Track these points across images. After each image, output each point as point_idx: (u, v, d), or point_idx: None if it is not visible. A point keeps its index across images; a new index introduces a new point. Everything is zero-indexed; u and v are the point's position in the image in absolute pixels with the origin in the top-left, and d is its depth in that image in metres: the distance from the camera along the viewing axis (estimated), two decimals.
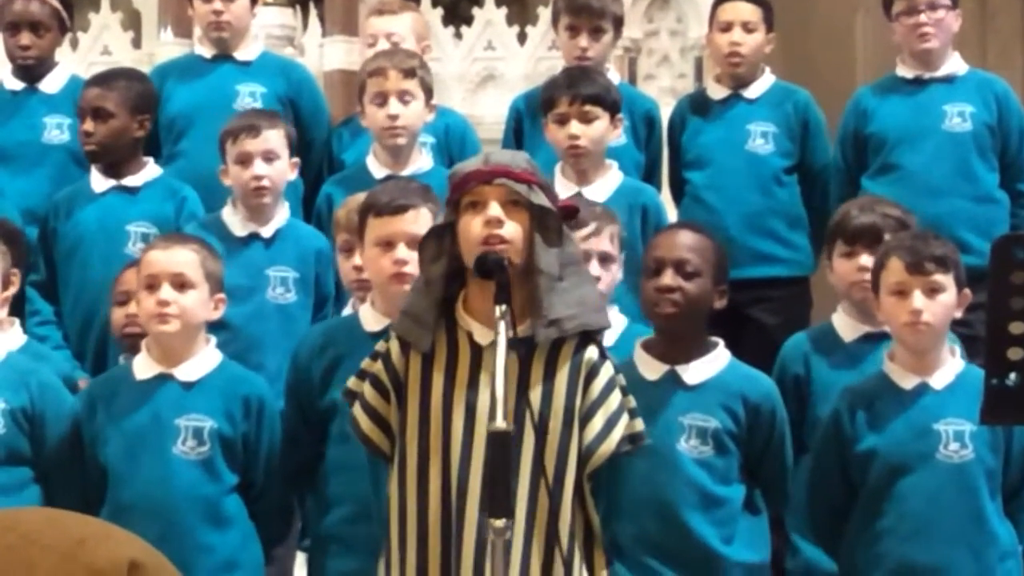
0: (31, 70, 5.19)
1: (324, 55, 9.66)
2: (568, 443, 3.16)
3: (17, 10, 5.15)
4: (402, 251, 3.66)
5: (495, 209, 3.11)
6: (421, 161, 4.78)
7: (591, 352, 3.19)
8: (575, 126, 4.58)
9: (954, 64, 5.16)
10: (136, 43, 10.09)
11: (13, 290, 4.28)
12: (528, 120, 5.14)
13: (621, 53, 8.47)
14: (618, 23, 5.21)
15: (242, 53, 5.21)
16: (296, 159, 4.63)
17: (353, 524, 3.66)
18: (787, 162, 5.15)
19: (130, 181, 4.79)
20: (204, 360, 3.89)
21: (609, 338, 3.85)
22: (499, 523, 2.77)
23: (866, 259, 4.03)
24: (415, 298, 3.20)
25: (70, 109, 4.99)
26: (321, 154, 5.18)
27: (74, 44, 9.52)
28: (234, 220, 4.55)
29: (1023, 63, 7.65)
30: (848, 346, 4.16)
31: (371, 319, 3.75)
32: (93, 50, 9.87)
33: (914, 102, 5.11)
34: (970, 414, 3.52)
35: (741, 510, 3.73)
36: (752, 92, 5.20)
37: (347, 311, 4.24)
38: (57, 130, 5.14)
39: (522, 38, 9.85)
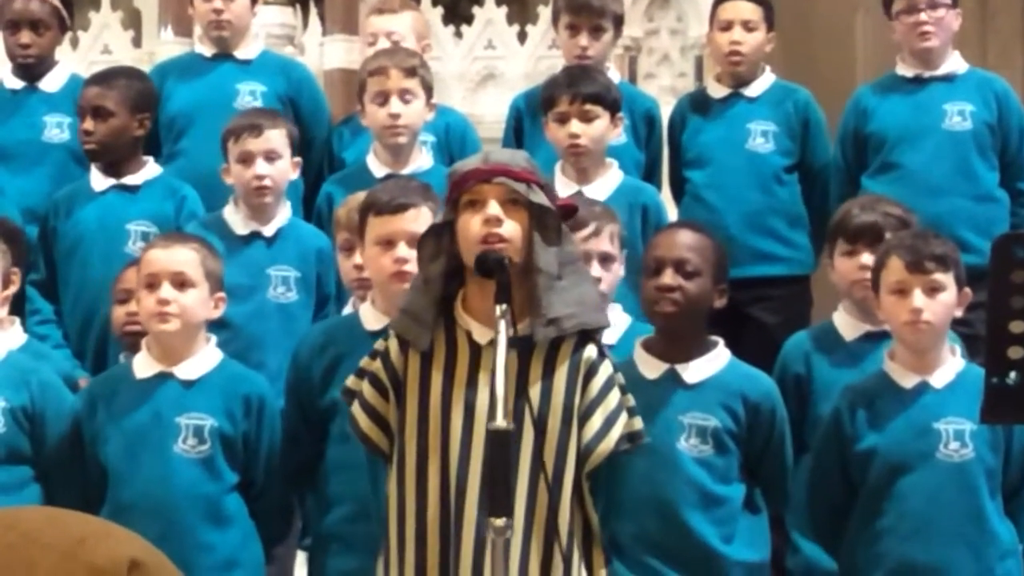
0: (31, 69, 5.19)
1: (324, 54, 9.65)
2: (567, 441, 3.16)
3: (17, 8, 5.15)
4: (403, 250, 3.66)
5: (494, 208, 3.11)
6: (421, 160, 4.79)
7: (590, 351, 3.19)
8: (575, 125, 4.58)
9: (954, 63, 5.16)
10: (136, 42, 10.08)
11: (13, 289, 4.28)
12: (528, 119, 5.14)
13: (621, 52, 8.46)
14: (618, 22, 5.21)
15: (242, 52, 5.21)
16: (298, 158, 4.63)
17: (353, 523, 3.66)
18: (787, 161, 5.15)
19: (130, 180, 4.80)
20: (204, 359, 3.89)
21: (612, 336, 3.86)
22: (499, 522, 2.77)
23: (867, 258, 4.03)
24: (414, 296, 3.20)
25: (70, 108, 4.99)
26: (321, 153, 5.18)
27: (74, 43, 9.52)
28: (236, 219, 4.56)
29: (1023, 62, 7.65)
30: (849, 345, 4.16)
31: (371, 318, 3.75)
32: (93, 49, 9.86)
33: (914, 101, 5.11)
34: (970, 413, 3.52)
35: (741, 509, 3.73)
36: (752, 91, 5.20)
37: (347, 310, 4.24)
38: (57, 129, 5.14)
39: (522, 37, 9.84)
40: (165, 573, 1.55)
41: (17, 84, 5.21)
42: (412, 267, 3.52)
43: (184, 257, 3.87)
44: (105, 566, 1.50)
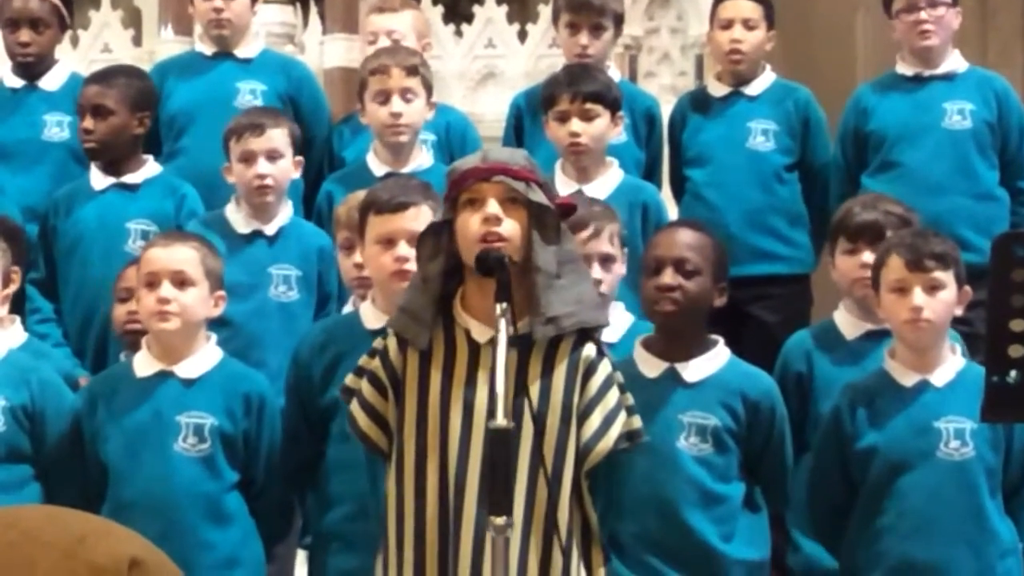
0: (31, 67, 5.19)
1: (324, 53, 9.65)
2: (566, 440, 3.16)
3: (17, 7, 5.15)
4: (403, 248, 3.66)
5: (493, 207, 3.11)
6: (421, 158, 4.79)
7: (589, 349, 3.19)
8: (576, 124, 4.58)
9: (954, 61, 5.16)
10: (136, 41, 10.08)
11: (13, 288, 4.28)
12: (528, 118, 5.14)
13: (622, 51, 8.47)
14: (618, 20, 5.21)
15: (242, 51, 5.22)
16: (300, 158, 4.63)
17: (354, 522, 3.66)
18: (788, 159, 5.15)
19: (130, 178, 4.80)
20: (204, 357, 3.89)
21: (614, 335, 3.87)
22: (499, 520, 2.77)
23: (868, 256, 4.03)
24: (413, 295, 3.19)
25: (70, 107, 4.99)
26: (321, 152, 5.18)
27: (74, 42, 9.52)
28: (237, 217, 4.56)
29: (1023, 61, 7.65)
30: (850, 343, 4.16)
31: (372, 317, 3.75)
32: (93, 48, 9.87)
33: (914, 100, 5.11)
34: (971, 412, 3.52)
35: (741, 508, 3.73)
36: (753, 90, 5.20)
37: (348, 309, 4.24)
38: (57, 128, 5.14)
39: (523, 36, 9.84)
40: (165, 571, 1.55)
41: (17, 83, 5.20)
42: (412, 266, 3.52)
43: (184, 256, 3.87)
44: (105, 564, 1.50)
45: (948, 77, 5.13)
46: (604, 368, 3.20)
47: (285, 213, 4.59)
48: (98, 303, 4.59)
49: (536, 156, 3.43)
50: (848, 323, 4.19)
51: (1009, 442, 3.76)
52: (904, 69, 5.16)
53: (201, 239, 4.03)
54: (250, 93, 5.11)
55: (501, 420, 2.79)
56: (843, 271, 4.18)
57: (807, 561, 4.10)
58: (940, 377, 3.78)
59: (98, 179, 4.80)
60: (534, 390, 3.13)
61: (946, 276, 3.75)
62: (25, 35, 5.14)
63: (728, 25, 5.18)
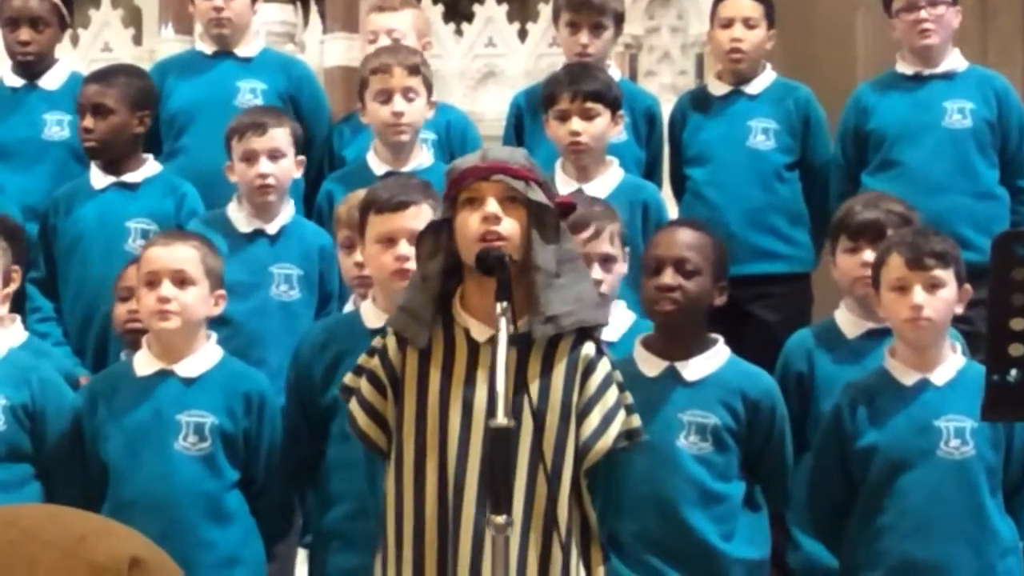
0: (31, 67, 5.19)
1: (325, 52, 9.67)
2: (565, 438, 3.15)
3: (16, 6, 5.15)
4: (403, 247, 3.66)
5: (492, 205, 3.11)
6: (422, 157, 4.79)
7: (588, 348, 3.19)
8: (576, 123, 4.58)
9: (954, 60, 5.16)
10: (137, 40, 10.10)
11: (14, 287, 4.28)
12: (529, 117, 5.14)
13: (622, 50, 8.48)
14: (619, 19, 5.21)
15: (243, 50, 5.22)
16: (302, 157, 4.63)
17: (354, 521, 3.66)
18: (788, 158, 5.15)
19: (130, 177, 4.80)
20: (205, 356, 3.89)
21: (616, 333, 3.87)
22: (500, 519, 2.77)
23: (869, 255, 4.03)
24: (412, 294, 3.19)
25: (70, 106, 4.99)
26: (322, 151, 5.17)
27: (75, 41, 9.53)
28: (239, 216, 4.56)
29: (1023, 60, 7.65)
30: (851, 342, 4.16)
31: (372, 316, 3.75)
32: (94, 47, 9.88)
33: (914, 98, 5.11)
34: (971, 410, 3.52)
35: (741, 506, 3.73)
36: (753, 88, 5.20)
37: (348, 308, 4.24)
38: (57, 127, 5.14)
39: (523, 35, 9.86)
40: (166, 570, 1.55)
41: (17, 82, 5.20)
42: (413, 265, 3.52)
43: (184, 255, 3.87)
44: (106, 563, 1.50)
45: (948, 76, 5.13)
46: (603, 367, 3.20)
47: (287, 212, 4.60)
48: (98, 302, 4.59)
49: (536, 155, 3.43)
50: (849, 322, 4.19)
51: (1009, 441, 3.76)
52: (904, 68, 5.16)
53: (201, 238, 4.03)
54: (250, 92, 5.11)
55: (501, 419, 2.78)
56: (844, 270, 4.18)
57: (807, 560, 4.10)
58: (940, 376, 3.78)
59: (98, 178, 4.80)
60: (533, 389, 3.12)
61: (946, 275, 3.75)
62: (25, 34, 5.14)
63: (728, 24, 5.18)
